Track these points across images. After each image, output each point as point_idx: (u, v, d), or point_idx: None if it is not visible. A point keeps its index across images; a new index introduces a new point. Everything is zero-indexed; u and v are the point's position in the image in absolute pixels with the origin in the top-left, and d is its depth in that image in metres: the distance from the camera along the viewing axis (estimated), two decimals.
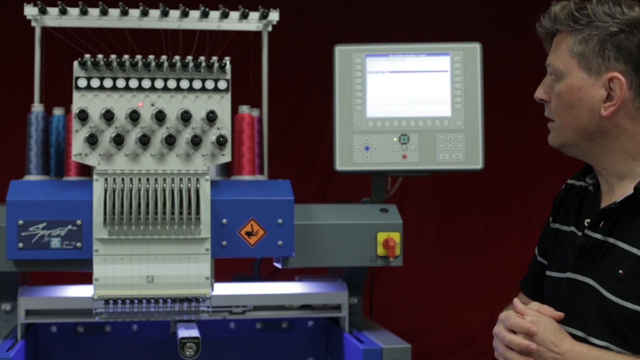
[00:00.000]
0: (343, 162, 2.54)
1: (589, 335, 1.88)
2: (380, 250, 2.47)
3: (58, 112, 2.45)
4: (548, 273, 2.09)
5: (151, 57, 2.27)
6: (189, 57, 2.28)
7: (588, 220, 1.98)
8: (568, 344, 1.81)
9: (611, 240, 1.90)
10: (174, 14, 2.47)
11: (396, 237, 2.46)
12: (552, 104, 1.97)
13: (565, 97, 1.93)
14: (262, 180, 2.45)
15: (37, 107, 2.42)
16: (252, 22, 2.50)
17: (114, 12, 2.44)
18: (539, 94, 2.01)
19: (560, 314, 1.89)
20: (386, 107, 2.55)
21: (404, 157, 2.53)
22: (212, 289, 2.30)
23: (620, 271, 1.84)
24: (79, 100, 2.26)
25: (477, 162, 2.53)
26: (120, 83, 2.26)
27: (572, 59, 1.92)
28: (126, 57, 2.26)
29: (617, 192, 1.95)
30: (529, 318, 1.84)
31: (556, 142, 2.00)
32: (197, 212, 2.25)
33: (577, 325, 1.90)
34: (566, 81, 1.93)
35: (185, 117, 2.26)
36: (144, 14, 2.45)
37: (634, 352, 1.82)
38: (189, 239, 2.26)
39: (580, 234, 1.99)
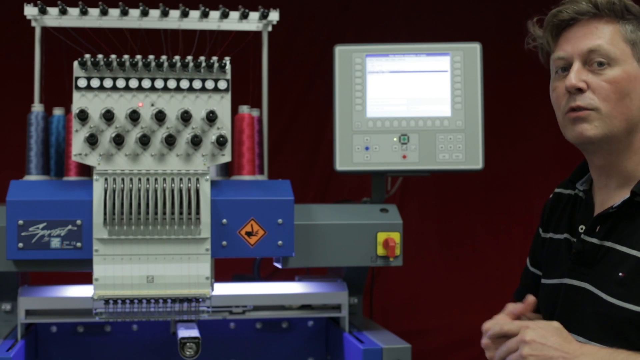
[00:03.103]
0: (343, 162, 2.54)
1: (589, 341, 1.87)
2: (380, 250, 2.47)
3: (58, 112, 2.45)
4: (544, 281, 2.08)
5: (151, 57, 2.27)
6: (189, 57, 2.28)
7: (582, 226, 1.97)
8: (576, 344, 1.79)
9: (608, 244, 1.89)
10: (174, 14, 2.47)
11: (396, 237, 2.46)
12: (598, 91, 1.85)
13: (623, 84, 1.84)
14: (262, 180, 2.45)
15: (37, 107, 2.42)
16: (252, 22, 2.50)
17: (114, 12, 2.44)
18: (576, 81, 1.86)
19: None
20: (386, 107, 2.55)
21: (404, 157, 2.53)
22: (212, 289, 2.30)
23: (620, 274, 1.83)
24: (79, 100, 2.26)
25: (477, 162, 2.53)
26: (120, 83, 2.26)
27: (626, 46, 1.86)
28: (126, 57, 2.26)
29: (614, 196, 1.94)
30: (530, 330, 1.80)
31: (597, 132, 1.86)
32: (197, 212, 2.25)
33: (577, 331, 1.89)
34: (624, 68, 1.85)
35: (185, 117, 2.26)
36: (144, 14, 2.45)
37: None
38: (189, 239, 2.26)
39: (574, 240, 1.98)
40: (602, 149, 1.91)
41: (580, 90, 1.86)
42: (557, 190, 2.17)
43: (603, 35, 1.86)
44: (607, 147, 1.90)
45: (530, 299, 1.96)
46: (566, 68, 1.91)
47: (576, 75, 1.86)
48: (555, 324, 1.83)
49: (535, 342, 1.77)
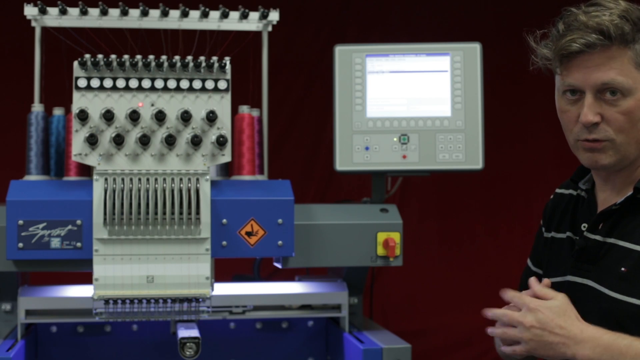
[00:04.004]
0: (343, 162, 2.54)
1: None
2: (380, 250, 2.46)
3: (58, 112, 2.45)
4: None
5: (151, 57, 2.27)
6: (189, 57, 2.28)
7: (585, 224, 1.98)
8: (577, 327, 1.79)
9: (611, 240, 1.90)
10: (174, 14, 2.47)
11: (396, 237, 2.46)
12: (613, 122, 1.86)
13: (637, 112, 1.85)
14: (262, 180, 2.45)
15: (37, 107, 2.42)
16: (252, 22, 2.50)
17: (114, 12, 2.44)
18: (592, 117, 1.86)
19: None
20: (386, 107, 2.55)
21: (404, 157, 2.53)
22: (212, 289, 2.30)
23: (623, 269, 1.85)
24: (79, 100, 2.26)
25: (477, 162, 2.53)
26: (120, 83, 2.26)
27: (638, 72, 1.85)
28: (126, 57, 2.26)
29: (617, 194, 1.95)
30: (531, 315, 1.82)
31: (612, 161, 1.89)
32: (197, 212, 2.25)
33: None
34: (637, 96, 1.85)
35: (185, 117, 2.26)
36: (144, 14, 2.45)
37: None
38: (189, 239, 2.26)
39: (577, 238, 1.99)
40: (613, 168, 1.93)
41: (595, 124, 1.87)
42: (558, 190, 2.18)
43: (615, 66, 1.85)
44: (618, 167, 1.93)
45: (546, 281, 1.95)
46: (575, 91, 1.91)
47: (591, 111, 1.86)
48: (560, 301, 1.84)
49: (534, 328, 1.80)
